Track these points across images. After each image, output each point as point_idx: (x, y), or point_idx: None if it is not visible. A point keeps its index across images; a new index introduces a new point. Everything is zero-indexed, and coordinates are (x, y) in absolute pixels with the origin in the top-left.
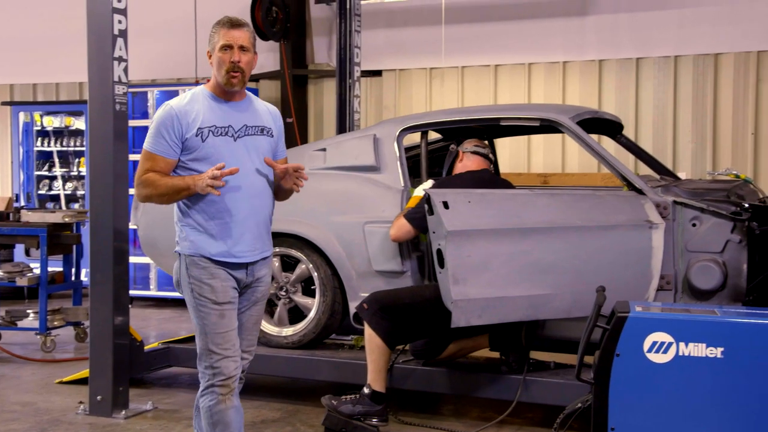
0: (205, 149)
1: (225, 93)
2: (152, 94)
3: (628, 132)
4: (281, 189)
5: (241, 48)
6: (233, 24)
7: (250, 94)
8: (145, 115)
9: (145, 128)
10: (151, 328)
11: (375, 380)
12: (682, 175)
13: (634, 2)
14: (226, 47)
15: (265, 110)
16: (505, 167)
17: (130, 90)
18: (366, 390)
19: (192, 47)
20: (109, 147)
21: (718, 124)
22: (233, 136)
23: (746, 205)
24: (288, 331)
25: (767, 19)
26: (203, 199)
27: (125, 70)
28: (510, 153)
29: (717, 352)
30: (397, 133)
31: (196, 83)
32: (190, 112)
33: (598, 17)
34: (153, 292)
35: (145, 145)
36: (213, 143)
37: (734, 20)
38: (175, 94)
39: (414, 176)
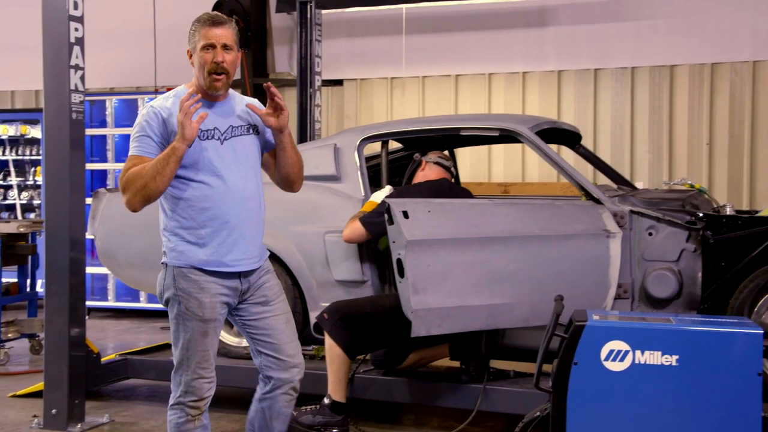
0: (192, 155)
1: (208, 94)
2: (110, 102)
3: (587, 142)
4: (283, 161)
5: (225, 47)
6: (215, 21)
7: (231, 91)
8: (103, 124)
9: (103, 137)
10: (108, 340)
11: (335, 390)
12: (639, 185)
13: (592, 14)
14: (208, 47)
15: (246, 105)
16: (465, 177)
17: (88, 98)
18: (326, 400)
19: (151, 55)
20: (66, 156)
21: (673, 134)
22: (219, 139)
23: (701, 215)
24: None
25: (720, 32)
26: (191, 206)
27: (82, 78)
28: (471, 162)
29: (672, 359)
30: (358, 143)
31: (156, 92)
32: (174, 113)
33: (557, 29)
34: (111, 303)
35: (130, 150)
36: (199, 148)
37: (688, 33)
38: (134, 102)
39: (375, 186)
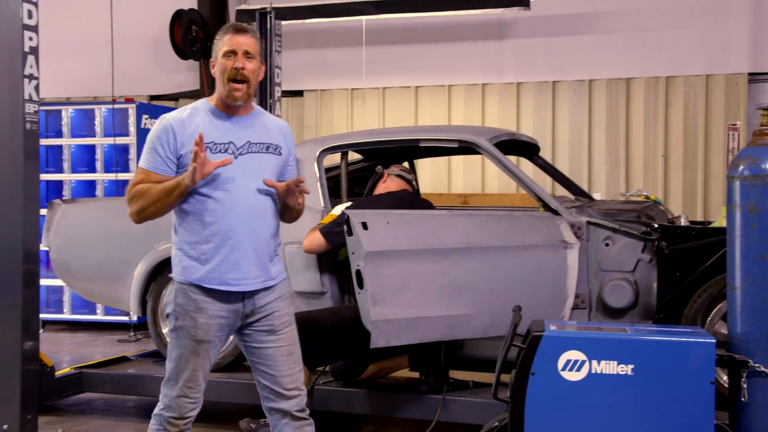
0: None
1: (228, 107)
2: (66, 112)
3: (546, 153)
4: (287, 208)
5: (246, 54)
6: (238, 29)
7: (258, 108)
8: (59, 134)
9: (59, 147)
10: (64, 353)
11: None
12: (596, 196)
13: (550, 28)
14: (230, 53)
15: (274, 126)
16: (426, 188)
17: (43, 108)
18: None
19: (109, 65)
20: (20, 167)
21: (630, 146)
22: (233, 153)
23: (656, 226)
24: None
25: (674, 46)
26: (197, 219)
27: (36, 87)
28: (431, 173)
29: (627, 369)
30: (317, 154)
31: (113, 102)
32: (187, 126)
33: (516, 41)
34: (67, 316)
35: (140, 161)
36: (210, 160)
37: (644, 47)
38: (91, 113)
39: (334, 197)
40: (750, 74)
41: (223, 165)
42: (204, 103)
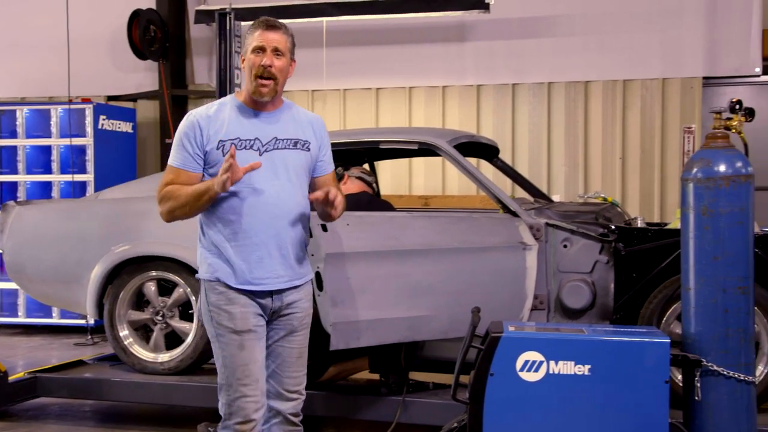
0: (225, 164)
1: (255, 102)
2: (21, 112)
3: (506, 155)
4: (325, 213)
5: (275, 51)
6: (269, 25)
7: (288, 102)
8: (13, 134)
9: (14, 148)
10: (18, 357)
11: None
12: (556, 198)
13: (510, 31)
14: (259, 49)
15: (305, 120)
16: (387, 189)
17: None
18: None
19: (65, 65)
20: None
21: (588, 148)
22: (259, 149)
23: (613, 227)
24: (164, 357)
25: (631, 50)
26: (219, 217)
27: None
28: (392, 175)
29: (584, 369)
30: None
31: (70, 102)
32: (213, 122)
33: (476, 44)
34: (21, 319)
35: (169, 159)
36: (235, 157)
37: (602, 50)
38: (47, 113)
39: None
40: (705, 78)
41: (252, 169)
42: (232, 99)
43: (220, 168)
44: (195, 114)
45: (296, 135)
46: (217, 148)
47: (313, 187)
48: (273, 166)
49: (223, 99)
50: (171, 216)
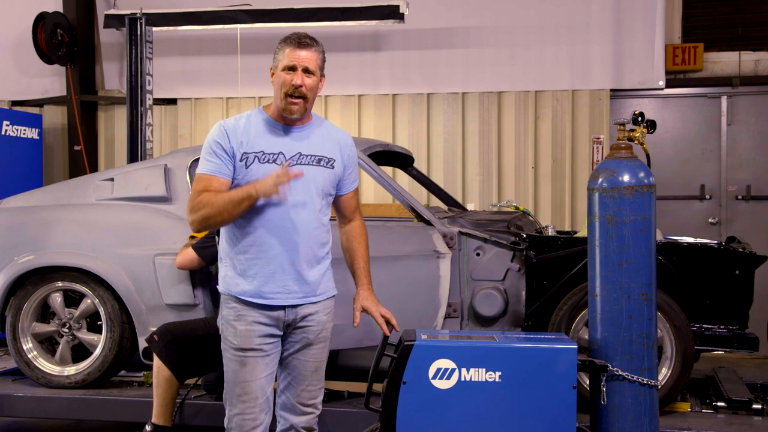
0: (248, 177)
1: (284, 117)
2: None
3: (421, 164)
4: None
5: (306, 71)
6: (301, 43)
7: (318, 118)
8: None
9: None
10: None
11: (159, 415)
12: (471, 206)
13: (424, 41)
14: (290, 68)
15: (332, 138)
16: None
17: None
18: (148, 427)
19: None
20: None
21: (502, 157)
22: (281, 164)
23: (524, 236)
24: (71, 370)
25: (541, 63)
26: (236, 231)
27: None
28: None
29: (495, 376)
30: (189, 163)
31: None
32: (240, 133)
33: (391, 53)
34: None
35: (197, 169)
36: (257, 171)
37: (513, 62)
38: None
39: None
40: (612, 90)
41: (296, 177)
42: (260, 112)
43: (272, 174)
44: (223, 123)
45: (322, 152)
46: (241, 160)
47: (337, 204)
48: (293, 181)
49: (250, 111)
50: (205, 224)
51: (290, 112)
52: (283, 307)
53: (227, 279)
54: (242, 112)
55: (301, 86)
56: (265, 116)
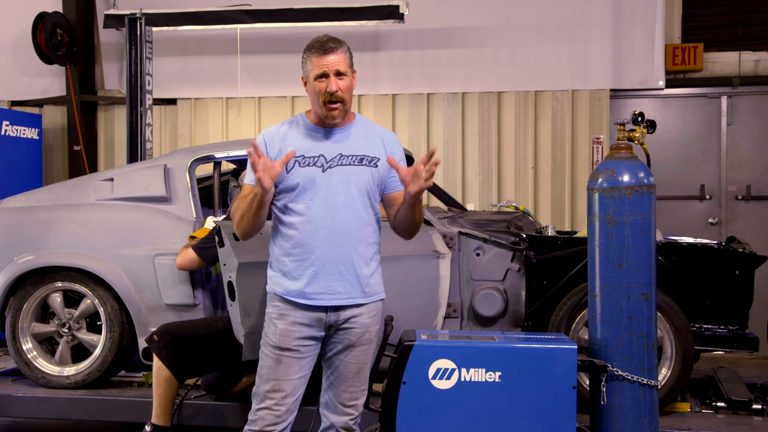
0: (289, 181)
1: (325, 122)
2: None
3: None
4: (403, 216)
5: (338, 74)
6: (326, 49)
7: (360, 117)
8: None
9: None
10: None
11: (159, 415)
12: (470, 207)
13: (423, 41)
14: (321, 76)
15: (375, 136)
16: None
17: None
18: (147, 428)
19: None
20: None
21: (502, 158)
22: (322, 166)
23: (524, 236)
24: (71, 370)
25: (541, 63)
26: (280, 233)
27: None
28: None
29: (495, 376)
30: (189, 164)
31: None
32: (281, 140)
33: (391, 53)
34: None
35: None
36: (298, 174)
37: (513, 62)
38: None
39: (207, 207)
40: (612, 90)
41: (288, 159)
42: (301, 117)
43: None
44: (264, 132)
45: (364, 151)
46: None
47: (385, 202)
48: (335, 182)
49: (293, 117)
50: (240, 230)
51: (332, 118)
52: (325, 309)
53: (273, 279)
54: (286, 119)
55: (337, 91)
56: (306, 121)
